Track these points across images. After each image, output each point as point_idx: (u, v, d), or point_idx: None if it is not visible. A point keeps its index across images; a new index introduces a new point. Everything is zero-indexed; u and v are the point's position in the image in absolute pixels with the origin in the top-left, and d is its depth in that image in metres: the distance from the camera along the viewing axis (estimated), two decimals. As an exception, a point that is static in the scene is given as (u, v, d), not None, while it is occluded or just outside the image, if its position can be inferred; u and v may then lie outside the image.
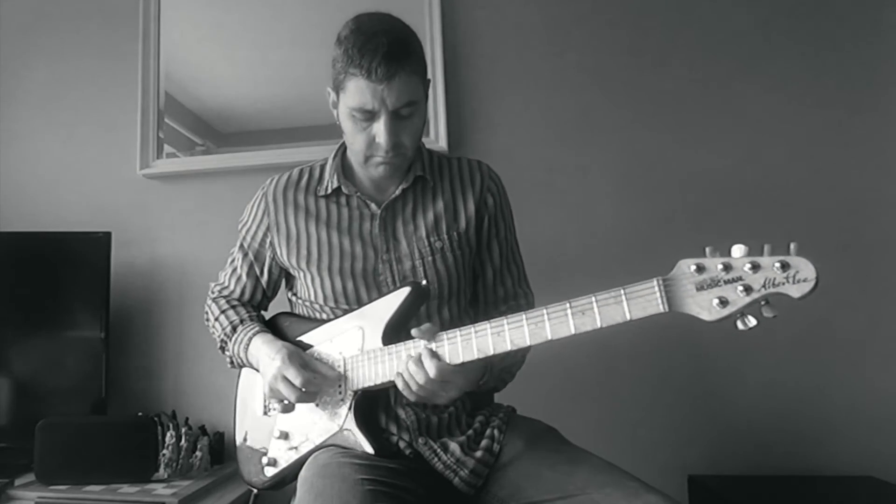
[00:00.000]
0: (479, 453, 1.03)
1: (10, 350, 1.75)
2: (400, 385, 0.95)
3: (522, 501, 0.97)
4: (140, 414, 1.68)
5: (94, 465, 1.47)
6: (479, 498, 1.03)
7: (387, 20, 1.03)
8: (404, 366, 0.95)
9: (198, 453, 1.61)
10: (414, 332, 0.96)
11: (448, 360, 0.93)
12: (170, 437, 1.57)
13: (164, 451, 1.56)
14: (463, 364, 0.93)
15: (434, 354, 0.93)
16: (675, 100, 1.81)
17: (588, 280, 1.74)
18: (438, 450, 1.03)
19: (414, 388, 0.94)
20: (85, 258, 1.77)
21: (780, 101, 1.77)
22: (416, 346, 0.97)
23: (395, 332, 1.02)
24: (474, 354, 0.92)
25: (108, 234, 1.77)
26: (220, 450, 1.75)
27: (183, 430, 1.61)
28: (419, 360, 0.93)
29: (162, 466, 1.55)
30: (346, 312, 1.09)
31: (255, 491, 1.15)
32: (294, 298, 1.21)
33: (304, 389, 1.01)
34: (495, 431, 1.06)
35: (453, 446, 1.03)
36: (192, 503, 1.45)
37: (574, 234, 1.78)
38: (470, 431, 1.07)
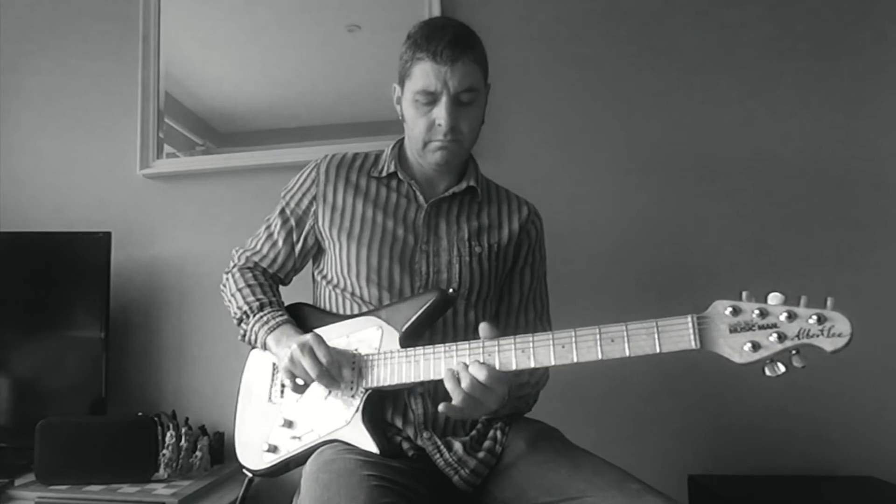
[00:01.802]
0: (481, 454, 1.04)
1: (10, 350, 1.75)
2: (441, 408, 0.93)
3: (524, 503, 0.97)
4: (140, 414, 1.68)
5: (94, 465, 1.48)
6: (480, 499, 1.04)
7: (454, 20, 1.14)
8: (452, 384, 0.92)
9: (198, 453, 1.61)
10: (483, 327, 0.95)
11: (498, 368, 0.92)
12: (170, 437, 1.57)
13: (164, 451, 1.56)
14: (506, 373, 0.92)
15: (482, 364, 0.92)
16: (676, 102, 1.81)
17: (591, 279, 1.75)
18: (442, 447, 1.03)
19: (459, 395, 0.91)
20: (85, 258, 1.77)
21: (788, 102, 1.77)
22: (436, 352, 0.97)
23: (415, 336, 1.03)
24: (512, 366, 0.91)
25: (108, 234, 1.77)
26: (220, 450, 1.74)
27: (183, 430, 1.61)
28: (465, 368, 0.92)
29: (162, 466, 1.55)
30: (366, 306, 1.10)
31: (250, 475, 1.14)
32: (319, 278, 1.21)
33: (326, 367, 1.00)
34: (498, 433, 1.07)
35: (457, 445, 1.03)
36: (192, 503, 1.44)
37: (580, 233, 1.77)
38: (473, 432, 1.07)
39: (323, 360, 1.00)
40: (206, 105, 1.99)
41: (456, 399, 0.92)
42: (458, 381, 0.92)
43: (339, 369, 1.02)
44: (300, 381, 1.06)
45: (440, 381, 0.96)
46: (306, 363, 1.00)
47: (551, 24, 1.87)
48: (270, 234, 1.23)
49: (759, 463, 1.65)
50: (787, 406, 1.67)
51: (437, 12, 1.83)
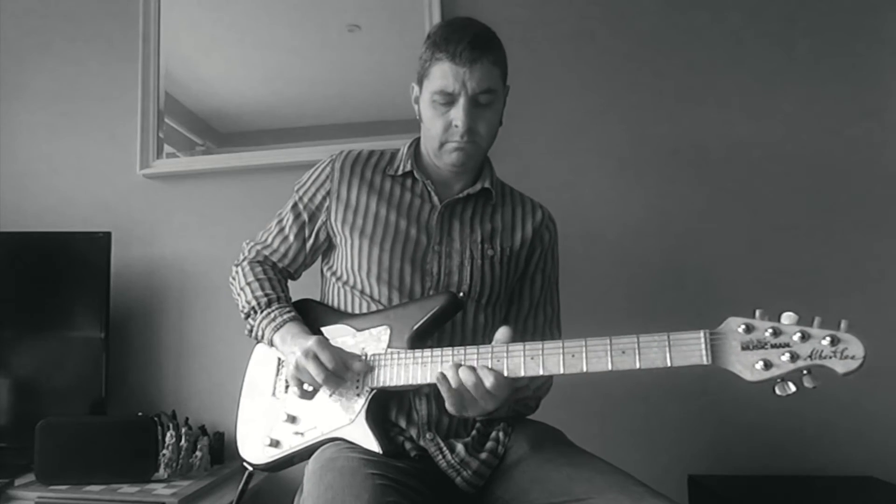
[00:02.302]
0: (483, 455, 1.04)
1: (10, 350, 1.75)
2: (444, 390, 0.93)
3: None
4: (140, 414, 1.68)
5: (94, 465, 1.47)
6: (483, 500, 1.04)
7: (475, 20, 1.13)
8: (452, 371, 0.92)
9: (198, 453, 1.61)
10: (501, 331, 0.95)
11: (506, 374, 0.92)
12: (170, 437, 1.57)
13: (164, 451, 1.56)
14: (511, 379, 0.92)
15: (490, 369, 0.92)
16: (682, 104, 1.81)
17: (597, 281, 1.74)
18: (444, 448, 1.03)
19: (461, 391, 0.92)
20: (85, 258, 1.77)
21: (795, 103, 1.77)
22: (444, 355, 0.97)
23: (422, 337, 1.03)
24: (521, 372, 0.91)
25: (108, 234, 1.76)
26: (220, 450, 1.74)
27: (183, 430, 1.61)
28: (472, 368, 0.92)
29: (162, 466, 1.55)
30: (375, 305, 1.10)
31: (251, 469, 1.14)
32: (329, 274, 1.21)
33: (332, 370, 1.00)
34: (500, 434, 1.07)
35: (459, 447, 1.03)
36: (192, 503, 1.44)
37: (585, 236, 1.76)
38: (474, 432, 1.07)
39: (328, 364, 1.00)
40: (206, 105, 1.99)
41: (454, 395, 0.92)
42: (459, 377, 0.91)
43: (345, 369, 1.02)
44: (308, 388, 1.06)
45: None
46: (312, 369, 1.00)
47: (552, 25, 1.87)
48: (282, 229, 1.22)
49: (759, 463, 1.65)
50: (786, 406, 1.65)
51: (436, 12, 1.83)
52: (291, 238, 1.21)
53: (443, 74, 1.06)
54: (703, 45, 1.81)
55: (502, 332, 0.95)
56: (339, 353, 1.02)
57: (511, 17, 1.87)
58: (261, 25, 1.96)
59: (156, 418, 1.62)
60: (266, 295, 1.15)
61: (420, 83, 1.13)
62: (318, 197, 1.19)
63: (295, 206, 1.22)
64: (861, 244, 1.71)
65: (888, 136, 1.73)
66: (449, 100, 1.07)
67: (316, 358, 1.00)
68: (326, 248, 1.23)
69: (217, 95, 1.99)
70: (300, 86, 1.94)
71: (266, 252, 1.23)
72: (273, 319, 1.12)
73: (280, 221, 1.23)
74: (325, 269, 1.24)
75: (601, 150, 1.82)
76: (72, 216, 1.95)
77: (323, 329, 1.11)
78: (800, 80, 1.77)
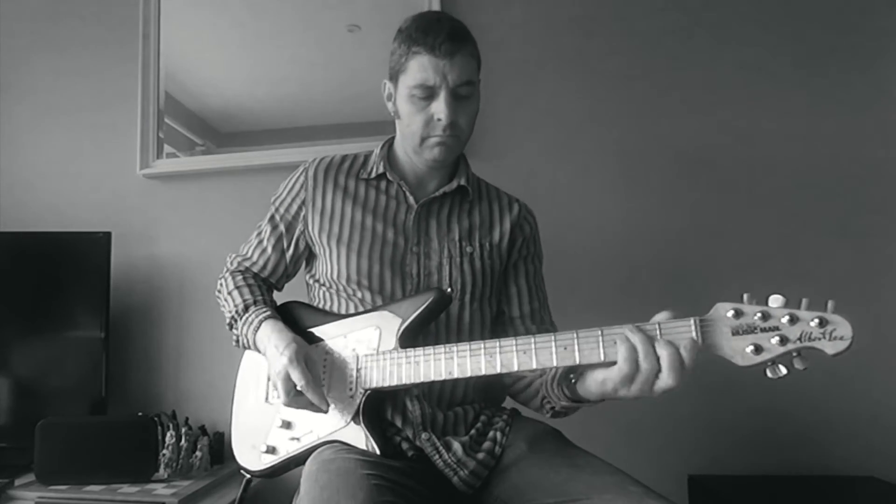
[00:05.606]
0: (480, 455, 1.03)
1: (11, 350, 1.75)
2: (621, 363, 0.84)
3: None
4: (140, 414, 1.68)
5: (94, 465, 1.48)
6: (480, 499, 1.03)
7: (446, 13, 1.13)
8: (660, 348, 0.82)
9: (198, 453, 1.61)
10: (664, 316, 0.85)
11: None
12: (170, 437, 1.57)
13: (164, 451, 1.56)
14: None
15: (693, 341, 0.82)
16: (675, 103, 1.81)
17: (589, 279, 1.74)
18: (441, 447, 1.02)
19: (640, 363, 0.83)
20: (85, 258, 1.77)
21: (788, 103, 1.77)
22: (435, 352, 0.96)
23: (412, 336, 1.02)
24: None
25: (108, 234, 1.77)
26: (220, 450, 1.74)
27: (183, 430, 1.61)
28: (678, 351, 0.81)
29: (162, 466, 1.55)
30: (362, 306, 1.09)
31: (248, 476, 1.14)
32: (312, 282, 1.21)
33: (303, 387, 0.99)
34: (498, 434, 1.06)
35: (456, 446, 1.03)
36: (192, 503, 1.45)
37: (578, 232, 1.77)
38: (472, 431, 1.06)
39: (299, 383, 0.99)
40: (206, 105, 1.99)
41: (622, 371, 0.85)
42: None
43: (318, 384, 1.01)
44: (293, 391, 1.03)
45: (437, 382, 0.96)
46: (283, 388, 1.00)
47: (550, 25, 1.87)
48: (261, 241, 1.22)
49: (759, 463, 1.65)
50: (787, 406, 1.67)
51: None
52: (270, 250, 1.21)
53: (422, 68, 1.04)
54: (699, 45, 1.81)
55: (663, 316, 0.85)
56: (313, 365, 1.02)
57: (508, 17, 1.88)
58: (261, 25, 1.96)
59: (156, 418, 1.62)
60: (244, 301, 1.15)
61: (394, 79, 1.11)
62: (294, 207, 1.19)
63: (272, 217, 1.22)
64: (860, 244, 1.70)
65: (888, 135, 1.73)
66: (429, 93, 1.05)
67: (287, 378, 1.00)
68: (308, 256, 1.23)
69: (217, 95, 1.99)
70: (300, 86, 1.94)
71: (246, 264, 1.23)
72: (251, 323, 1.11)
73: (259, 234, 1.23)
74: (308, 278, 1.24)
75: (599, 150, 1.82)
76: (72, 216, 1.96)
77: (313, 330, 1.10)
78: (798, 79, 1.77)
